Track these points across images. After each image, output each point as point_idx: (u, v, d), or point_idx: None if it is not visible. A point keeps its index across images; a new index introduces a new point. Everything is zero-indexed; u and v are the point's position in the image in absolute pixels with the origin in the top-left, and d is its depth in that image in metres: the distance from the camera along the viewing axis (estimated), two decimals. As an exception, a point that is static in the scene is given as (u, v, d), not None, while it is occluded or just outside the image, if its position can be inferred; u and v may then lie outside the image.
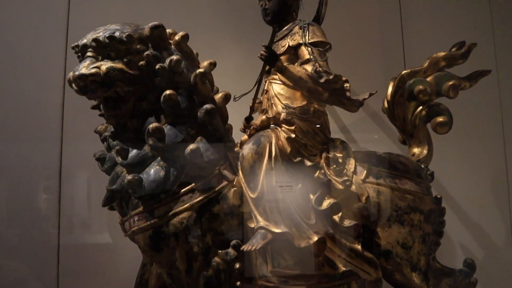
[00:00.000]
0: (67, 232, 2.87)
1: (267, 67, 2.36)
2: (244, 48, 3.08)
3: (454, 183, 3.18)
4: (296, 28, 2.37)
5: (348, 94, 2.20)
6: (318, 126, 2.29)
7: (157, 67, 2.00)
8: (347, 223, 2.12)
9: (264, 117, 2.28)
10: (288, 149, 2.17)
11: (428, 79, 2.50)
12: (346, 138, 2.72)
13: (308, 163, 2.18)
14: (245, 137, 2.32)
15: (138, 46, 2.01)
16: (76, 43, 2.07)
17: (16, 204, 2.85)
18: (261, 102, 2.49)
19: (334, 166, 2.21)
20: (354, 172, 2.22)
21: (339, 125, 3.10)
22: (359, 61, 3.21)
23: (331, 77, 2.18)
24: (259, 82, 2.36)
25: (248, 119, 2.48)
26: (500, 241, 3.34)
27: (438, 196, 2.36)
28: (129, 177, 1.97)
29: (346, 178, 2.18)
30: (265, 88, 2.45)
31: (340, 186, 2.16)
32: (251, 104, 2.49)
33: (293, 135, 2.18)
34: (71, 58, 2.84)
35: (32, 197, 2.91)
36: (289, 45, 2.35)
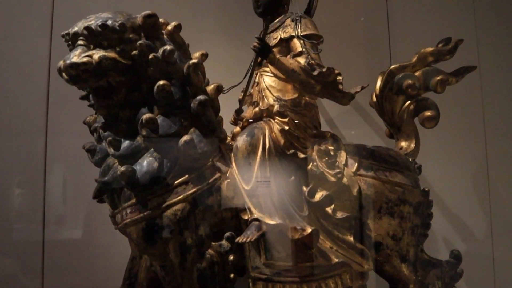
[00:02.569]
0: (52, 227, 2.83)
1: (259, 59, 2.35)
2: (234, 39, 3.08)
3: (437, 177, 3.22)
4: (288, 21, 2.35)
5: (340, 87, 2.19)
6: (309, 118, 2.28)
7: (150, 56, 1.96)
8: (339, 215, 2.12)
9: (257, 109, 2.27)
10: (282, 141, 2.16)
11: (417, 73, 2.51)
12: (333, 132, 2.64)
13: (301, 155, 2.17)
14: (237, 129, 2.32)
15: (131, 35, 1.97)
16: (66, 31, 1.99)
17: None
18: (251, 95, 2.48)
19: (326, 158, 2.20)
20: (346, 165, 2.21)
21: (325, 118, 3.11)
22: (346, 55, 3.21)
23: (324, 70, 2.17)
24: (250, 74, 2.33)
25: (238, 112, 2.46)
26: (480, 234, 3.37)
27: (426, 189, 2.38)
28: (122, 168, 1.93)
29: (338, 170, 2.17)
30: (256, 80, 2.43)
31: (332, 179, 2.15)
32: (240, 97, 2.47)
33: (286, 127, 2.17)
34: (56, 49, 2.83)
35: (12, 192, 2.85)
36: (281, 38, 2.33)
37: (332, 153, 2.22)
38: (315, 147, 2.22)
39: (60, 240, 2.83)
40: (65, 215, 2.91)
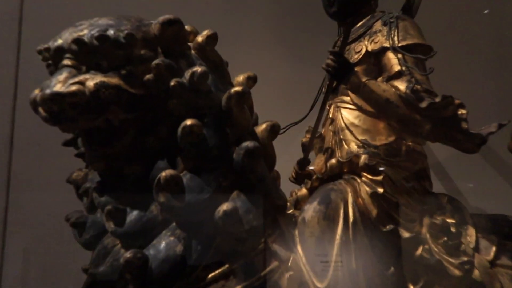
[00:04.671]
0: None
1: (334, 84, 2.29)
2: (294, 56, 3.04)
3: None
4: (378, 25, 2.36)
5: (465, 125, 2.12)
6: (415, 175, 2.24)
7: (171, 83, 1.89)
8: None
9: (333, 160, 2.20)
10: (374, 212, 2.09)
11: None
12: (444, 186, 2.75)
13: (405, 234, 2.09)
14: (303, 191, 2.27)
15: (142, 52, 1.90)
16: (45, 45, 1.93)
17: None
18: (321, 137, 2.45)
19: (445, 238, 2.12)
20: (476, 249, 2.13)
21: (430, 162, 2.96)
22: (466, 72, 3.10)
23: (437, 99, 2.09)
24: (320, 107, 2.33)
25: (303, 163, 2.44)
26: None
27: None
28: (128, 254, 1.84)
29: (464, 259, 2.08)
30: (330, 115, 2.41)
31: (456, 272, 2.07)
32: (305, 139, 2.47)
33: (381, 190, 2.09)
34: (24, 71, 2.87)
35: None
36: (367, 51, 2.34)
37: (453, 229, 2.14)
38: (426, 220, 2.16)
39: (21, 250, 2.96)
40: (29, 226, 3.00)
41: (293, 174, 2.51)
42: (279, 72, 2.98)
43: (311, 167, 2.45)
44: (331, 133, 2.38)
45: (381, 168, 2.16)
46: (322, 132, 2.47)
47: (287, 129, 2.50)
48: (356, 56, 2.36)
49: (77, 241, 2.10)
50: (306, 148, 2.46)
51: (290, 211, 2.24)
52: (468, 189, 2.95)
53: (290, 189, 2.40)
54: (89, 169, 2.10)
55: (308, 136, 2.47)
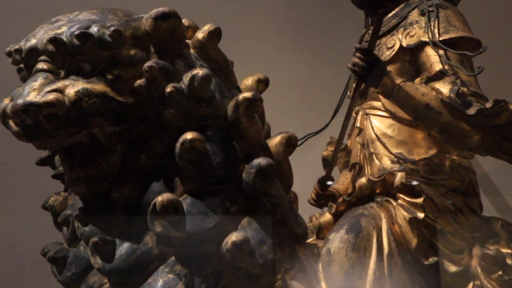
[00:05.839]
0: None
1: (362, 86, 2.29)
2: (312, 54, 3.01)
3: None
4: (415, 14, 2.38)
5: None
6: (462, 196, 2.20)
7: (167, 89, 1.89)
8: None
9: (363, 180, 2.20)
10: (413, 241, 2.09)
11: None
12: (493, 205, 2.74)
13: (452, 268, 2.09)
14: (327, 216, 2.28)
15: (132, 52, 1.91)
16: (15, 46, 1.93)
17: None
18: (347, 150, 2.46)
19: (500, 272, 2.11)
20: None
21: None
22: None
23: (487, 105, 2.08)
24: (346, 114, 2.32)
25: (324, 182, 2.44)
26: None
27: None
28: None
29: None
30: (357, 124, 2.42)
31: None
32: (327, 153, 2.48)
33: (421, 215, 2.07)
34: None
35: None
36: (401, 46, 2.36)
37: (509, 261, 2.13)
38: (476, 251, 2.17)
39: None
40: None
41: (313, 196, 2.50)
42: (294, 74, 2.97)
43: (335, 187, 2.45)
44: (359, 145, 2.38)
45: (420, 189, 2.16)
46: (348, 144, 2.48)
47: (304, 141, 2.51)
48: (388, 53, 2.37)
49: (57, 280, 2.09)
50: (328, 163, 2.45)
51: (311, 240, 2.25)
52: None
53: (309, 214, 2.41)
54: (68, 193, 2.11)
55: (331, 149, 2.47)
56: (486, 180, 2.97)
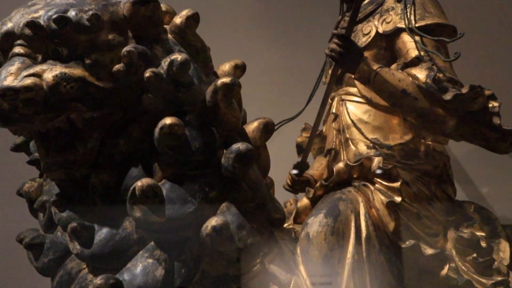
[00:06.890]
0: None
1: (339, 72, 2.30)
2: (287, 39, 3.02)
3: None
4: (391, 1, 2.38)
5: (496, 121, 2.11)
6: (436, 180, 2.21)
7: (146, 74, 1.88)
8: None
9: (341, 164, 2.19)
10: (391, 225, 2.08)
11: None
12: (464, 192, 2.75)
13: (428, 250, 2.07)
14: (305, 201, 2.28)
15: (110, 37, 1.89)
16: None
17: None
18: (322, 136, 2.45)
19: (474, 255, 2.10)
20: (511, 267, 2.12)
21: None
22: (499, 59, 3.09)
23: (463, 90, 2.08)
24: (322, 100, 2.32)
25: (300, 168, 2.43)
26: None
27: None
28: (98, 280, 1.82)
29: (498, 278, 2.08)
30: (333, 110, 2.41)
31: None
32: (302, 139, 2.49)
33: (398, 199, 2.07)
34: None
35: None
36: (377, 32, 2.35)
37: (483, 244, 2.12)
38: (451, 234, 2.17)
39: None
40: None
41: (289, 181, 2.50)
42: (268, 59, 2.98)
43: (310, 172, 2.44)
44: (334, 131, 2.37)
45: (397, 173, 2.16)
46: (323, 130, 2.47)
47: (279, 127, 2.47)
48: (364, 39, 2.35)
49: (33, 266, 2.07)
50: (302, 149, 2.46)
51: (287, 225, 2.24)
52: (495, 195, 2.96)
53: (284, 199, 2.40)
54: (44, 179, 2.10)
55: (305, 135, 2.48)
56: (457, 167, 3.00)
